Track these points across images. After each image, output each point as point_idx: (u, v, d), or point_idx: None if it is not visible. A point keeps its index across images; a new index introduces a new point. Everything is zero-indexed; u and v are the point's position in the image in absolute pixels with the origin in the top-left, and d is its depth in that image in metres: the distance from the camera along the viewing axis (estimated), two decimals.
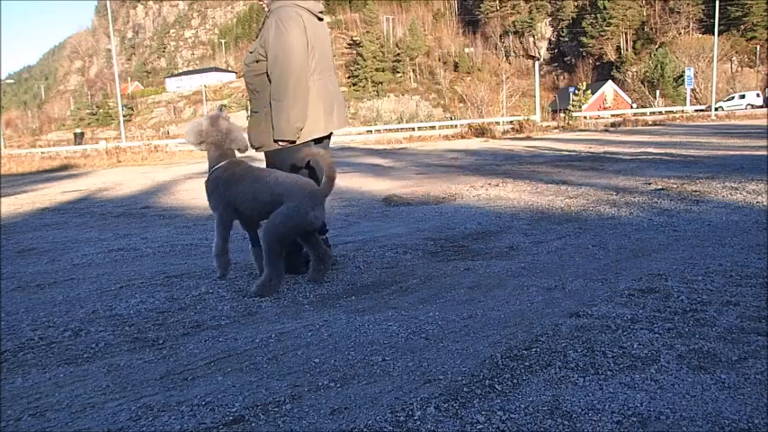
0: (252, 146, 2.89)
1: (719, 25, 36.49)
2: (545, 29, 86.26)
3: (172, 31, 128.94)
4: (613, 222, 3.75)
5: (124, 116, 45.92)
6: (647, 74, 60.82)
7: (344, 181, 6.90)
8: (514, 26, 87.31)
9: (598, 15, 75.97)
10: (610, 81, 61.53)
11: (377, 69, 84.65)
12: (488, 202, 4.79)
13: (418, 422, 1.41)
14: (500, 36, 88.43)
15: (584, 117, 23.77)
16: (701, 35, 61.97)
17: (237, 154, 2.71)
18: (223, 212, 2.60)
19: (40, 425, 1.48)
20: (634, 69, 66.76)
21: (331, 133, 2.96)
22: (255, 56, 2.74)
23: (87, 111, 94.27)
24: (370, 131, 32.62)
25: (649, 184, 5.28)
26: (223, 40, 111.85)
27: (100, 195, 7.02)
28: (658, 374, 1.60)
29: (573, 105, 22.23)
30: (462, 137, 17.92)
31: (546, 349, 1.80)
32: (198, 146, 2.64)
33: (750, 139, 10.69)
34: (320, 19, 2.86)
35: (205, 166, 2.77)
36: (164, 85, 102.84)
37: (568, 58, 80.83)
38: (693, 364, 1.66)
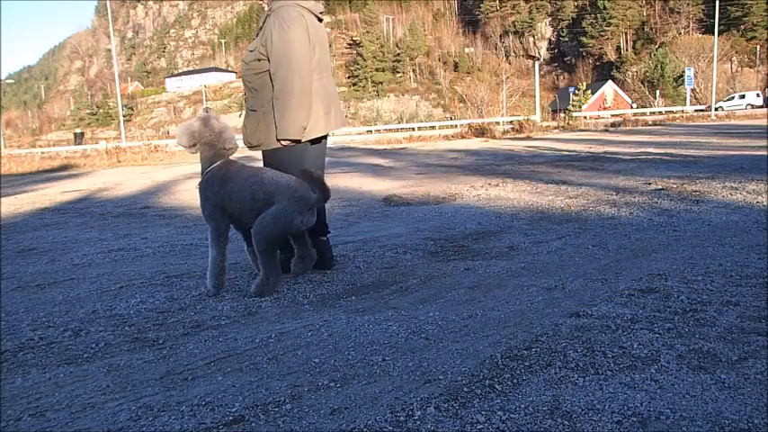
0: (249, 144, 2.89)
1: (719, 25, 36.49)
2: (545, 29, 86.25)
3: (172, 31, 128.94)
4: (613, 222, 3.75)
5: (124, 116, 45.92)
6: (647, 74, 60.82)
7: (344, 181, 6.91)
8: (514, 26, 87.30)
9: (598, 15, 75.97)
10: (610, 81, 61.52)
11: (377, 69, 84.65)
12: (488, 202, 4.80)
13: (418, 422, 1.41)
14: (500, 36, 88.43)
15: (584, 117, 23.77)
16: (701, 35, 61.97)
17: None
18: (219, 220, 2.54)
19: (40, 425, 1.48)
20: (634, 69, 66.76)
21: (327, 134, 2.96)
22: (256, 54, 2.74)
23: (87, 111, 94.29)
24: (370, 131, 32.63)
25: (649, 184, 5.28)
26: (223, 40, 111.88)
27: (100, 195, 7.02)
28: (658, 374, 1.60)
29: (573, 105, 22.23)
30: (462, 137, 17.92)
31: (546, 349, 1.80)
32: (190, 148, 2.59)
33: (750, 139, 10.69)
34: (320, 20, 2.87)
35: None
36: (164, 85, 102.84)
37: (568, 58, 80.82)
38: (693, 364, 1.66)
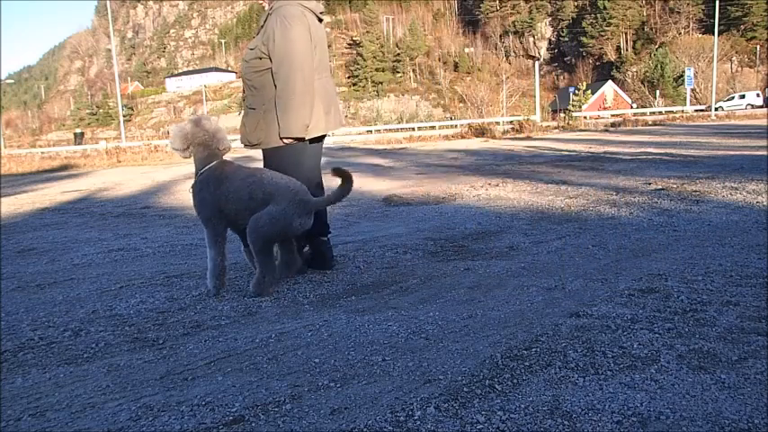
0: (248, 143, 2.89)
1: (719, 25, 36.49)
2: (545, 29, 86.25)
3: (172, 31, 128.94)
4: (613, 222, 3.75)
5: (124, 116, 45.92)
6: (647, 74, 60.83)
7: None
8: (514, 26, 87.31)
9: (598, 15, 75.97)
10: (610, 81, 61.53)
11: (377, 69, 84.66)
12: (488, 202, 4.80)
13: (418, 422, 1.41)
14: (500, 36, 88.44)
15: (584, 117, 23.77)
16: (701, 35, 61.97)
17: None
18: (215, 222, 2.52)
19: (40, 425, 1.48)
20: (634, 69, 66.77)
21: (325, 135, 2.96)
22: (257, 52, 2.74)
23: (87, 111, 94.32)
24: (370, 131, 32.64)
25: (649, 184, 5.28)
26: (223, 40, 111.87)
27: (100, 195, 7.02)
28: (658, 374, 1.60)
29: (573, 105, 22.23)
30: (462, 137, 17.92)
31: (546, 349, 1.80)
32: (184, 151, 2.56)
33: (750, 139, 10.69)
34: (320, 20, 2.87)
35: None
36: (164, 85, 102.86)
37: (568, 58, 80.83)
38: (693, 364, 1.66)
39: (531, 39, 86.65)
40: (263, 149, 2.85)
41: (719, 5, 33.49)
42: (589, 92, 24.17)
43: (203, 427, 1.43)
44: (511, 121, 21.40)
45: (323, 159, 3.13)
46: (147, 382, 1.70)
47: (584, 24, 77.53)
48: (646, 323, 1.98)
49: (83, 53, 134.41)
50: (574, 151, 9.85)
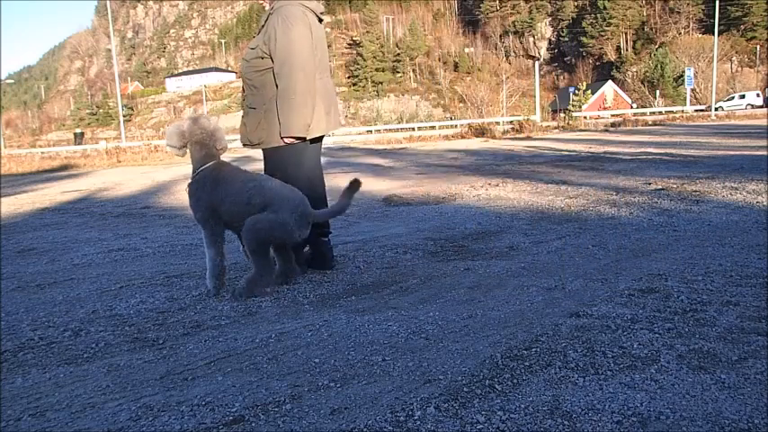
0: (248, 143, 2.88)
1: (719, 25, 36.49)
2: (545, 29, 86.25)
3: (172, 31, 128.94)
4: (613, 222, 3.75)
5: (124, 116, 45.92)
6: (647, 74, 60.83)
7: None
8: (514, 26, 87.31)
9: (598, 15, 75.98)
10: (610, 81, 61.53)
11: (377, 69, 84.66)
12: (488, 202, 4.80)
13: (418, 422, 1.41)
14: (500, 36, 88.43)
15: (584, 117, 23.78)
16: (701, 35, 61.97)
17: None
18: (212, 223, 2.50)
19: (40, 425, 1.48)
20: (634, 69, 66.77)
21: (323, 135, 2.96)
22: (257, 52, 2.74)
23: (87, 111, 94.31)
24: (370, 131, 32.62)
25: (649, 184, 5.28)
26: (223, 40, 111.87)
27: (100, 195, 7.02)
28: (658, 374, 1.60)
29: (573, 105, 22.25)
30: (462, 137, 17.92)
31: (546, 349, 1.80)
32: (180, 149, 2.54)
33: (750, 139, 10.69)
34: (320, 20, 2.87)
35: None
36: (164, 85, 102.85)
37: (568, 58, 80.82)
38: (693, 364, 1.66)
39: (531, 39, 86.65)
40: (263, 149, 2.85)
41: (719, 5, 33.49)
42: (589, 92, 24.19)
43: (203, 427, 1.43)
44: (511, 121, 21.40)
45: (323, 159, 3.13)
46: (147, 382, 1.70)
47: (584, 24, 77.53)
48: (646, 323, 1.98)
49: (83, 53, 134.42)
50: (574, 151, 9.85)
